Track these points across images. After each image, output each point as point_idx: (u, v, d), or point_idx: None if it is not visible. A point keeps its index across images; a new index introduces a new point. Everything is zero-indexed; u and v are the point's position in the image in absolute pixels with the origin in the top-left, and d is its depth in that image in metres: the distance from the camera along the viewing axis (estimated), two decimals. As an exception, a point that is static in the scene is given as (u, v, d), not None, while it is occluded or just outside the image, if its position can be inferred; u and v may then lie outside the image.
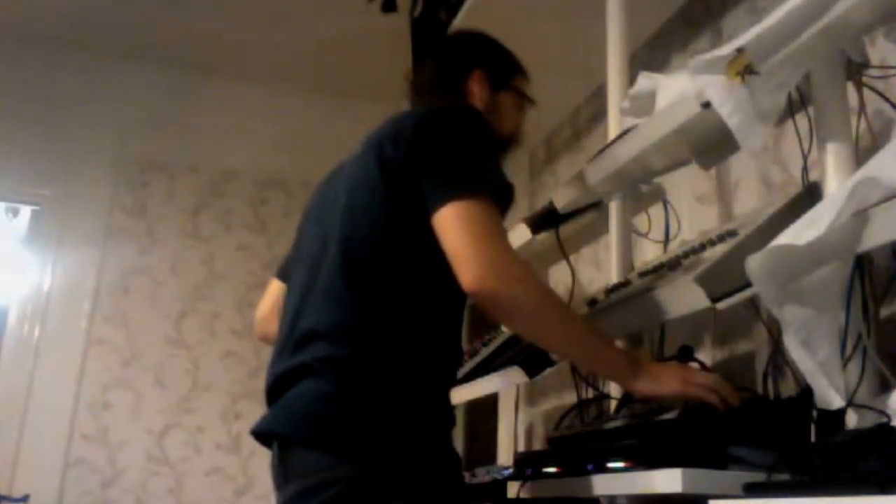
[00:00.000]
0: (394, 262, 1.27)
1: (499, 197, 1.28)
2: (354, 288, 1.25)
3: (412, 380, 1.23)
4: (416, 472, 1.18)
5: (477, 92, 1.57)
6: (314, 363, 1.22)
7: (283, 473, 1.22)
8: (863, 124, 1.26)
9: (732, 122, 1.07)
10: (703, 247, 1.29)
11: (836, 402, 0.99)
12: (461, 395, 2.05)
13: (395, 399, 1.20)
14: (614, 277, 1.71)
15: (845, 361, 1.02)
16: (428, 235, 1.22)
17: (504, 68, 1.63)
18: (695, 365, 1.49)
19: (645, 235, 1.90)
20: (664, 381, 1.22)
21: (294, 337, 1.28)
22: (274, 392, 1.29)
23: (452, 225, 1.20)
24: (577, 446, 1.35)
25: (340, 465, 1.15)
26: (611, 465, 1.20)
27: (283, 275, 1.56)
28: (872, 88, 1.28)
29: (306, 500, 1.16)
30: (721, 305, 1.14)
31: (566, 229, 1.81)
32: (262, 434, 1.28)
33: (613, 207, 1.78)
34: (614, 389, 1.66)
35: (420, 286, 1.27)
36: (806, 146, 1.29)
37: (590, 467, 1.25)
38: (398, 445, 1.18)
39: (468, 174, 1.26)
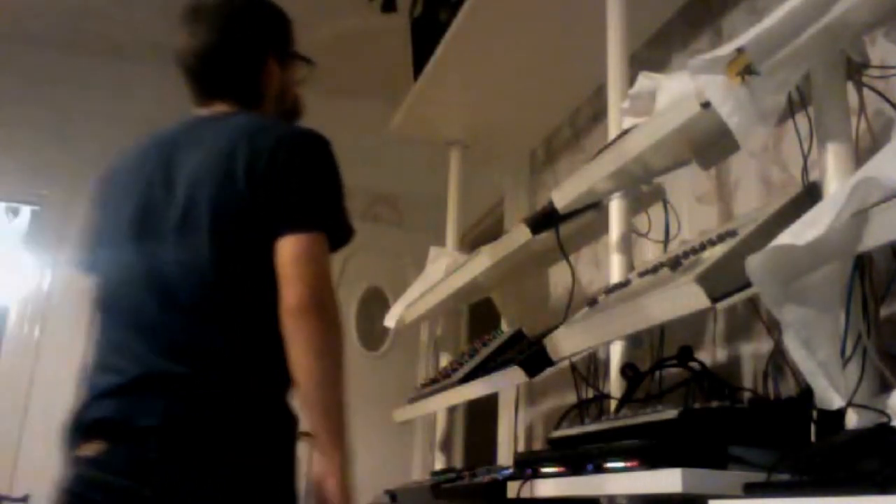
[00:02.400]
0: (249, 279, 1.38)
1: (336, 236, 1.40)
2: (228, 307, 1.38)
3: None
4: None
5: (272, 81, 1.56)
6: None
7: None
8: (863, 124, 1.26)
9: (732, 122, 1.07)
10: (703, 247, 1.29)
11: (836, 402, 0.99)
12: (461, 395, 2.05)
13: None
14: (614, 277, 1.71)
15: (845, 361, 1.02)
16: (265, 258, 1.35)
17: (286, 41, 1.60)
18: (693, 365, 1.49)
19: (645, 235, 1.90)
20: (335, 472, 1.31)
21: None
22: None
23: (293, 252, 1.33)
24: (577, 446, 1.35)
25: None
26: (611, 465, 1.20)
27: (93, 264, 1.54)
28: (872, 88, 1.28)
29: None
30: (721, 305, 1.14)
31: (566, 229, 1.81)
32: None
33: (613, 207, 1.78)
34: (614, 389, 1.66)
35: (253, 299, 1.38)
36: (806, 146, 1.29)
37: (590, 467, 1.25)
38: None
39: (320, 209, 1.39)
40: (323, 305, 1.32)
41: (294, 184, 1.38)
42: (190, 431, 1.29)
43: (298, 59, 1.61)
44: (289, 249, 1.33)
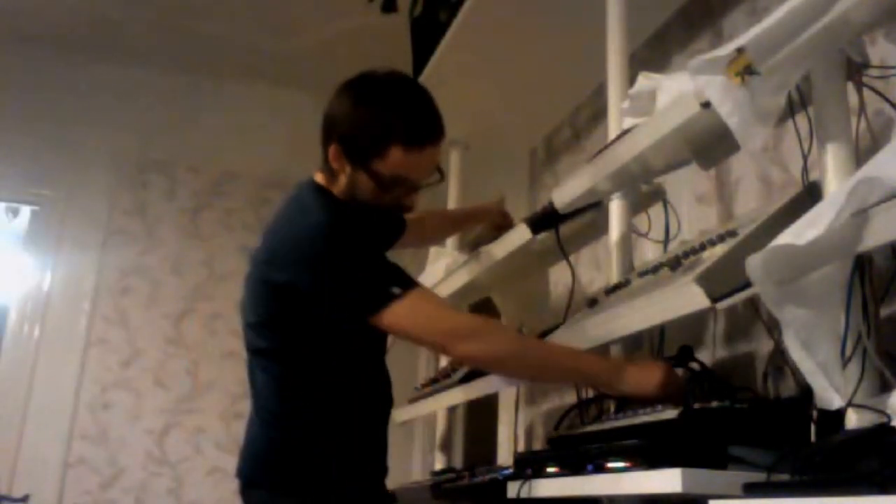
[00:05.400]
0: (295, 360, 1.57)
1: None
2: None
3: (336, 435, 1.52)
4: None
5: (336, 167, 1.53)
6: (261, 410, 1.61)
7: None
8: (863, 124, 1.26)
9: (732, 122, 1.07)
10: (703, 247, 1.29)
11: (836, 402, 0.99)
12: (461, 395, 2.05)
13: (323, 449, 1.48)
14: (614, 277, 1.71)
15: (845, 361, 1.02)
16: (318, 335, 1.51)
17: (363, 145, 1.48)
18: (681, 368, 1.49)
19: (645, 235, 1.90)
20: (645, 384, 1.36)
21: None
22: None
23: (403, 319, 1.44)
24: (577, 446, 1.35)
25: (280, 500, 1.48)
26: (611, 465, 1.20)
27: None
28: (872, 88, 1.27)
29: None
30: (721, 305, 1.14)
31: (566, 229, 1.81)
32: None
33: (613, 207, 1.78)
34: (614, 389, 1.66)
35: (320, 370, 1.55)
36: (806, 146, 1.29)
37: (590, 467, 1.25)
38: (326, 486, 1.47)
39: (370, 289, 1.45)
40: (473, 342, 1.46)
41: (340, 282, 1.48)
42: None
43: (373, 174, 1.50)
44: (393, 319, 1.46)
